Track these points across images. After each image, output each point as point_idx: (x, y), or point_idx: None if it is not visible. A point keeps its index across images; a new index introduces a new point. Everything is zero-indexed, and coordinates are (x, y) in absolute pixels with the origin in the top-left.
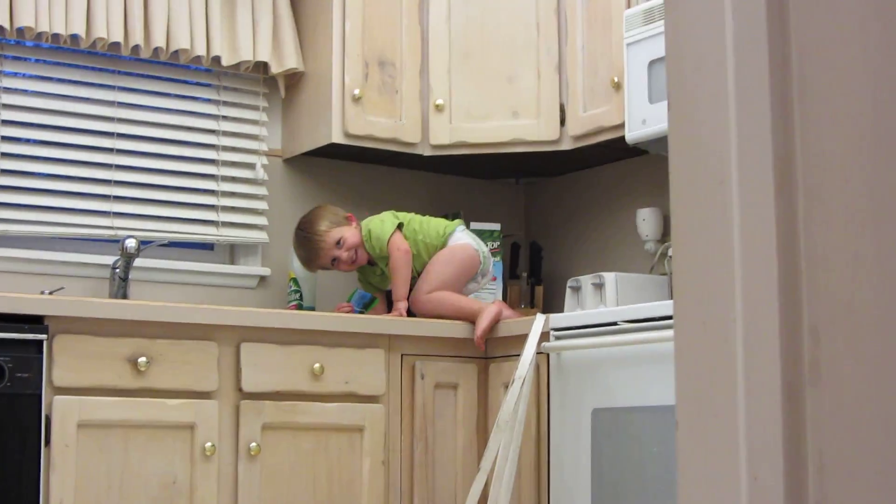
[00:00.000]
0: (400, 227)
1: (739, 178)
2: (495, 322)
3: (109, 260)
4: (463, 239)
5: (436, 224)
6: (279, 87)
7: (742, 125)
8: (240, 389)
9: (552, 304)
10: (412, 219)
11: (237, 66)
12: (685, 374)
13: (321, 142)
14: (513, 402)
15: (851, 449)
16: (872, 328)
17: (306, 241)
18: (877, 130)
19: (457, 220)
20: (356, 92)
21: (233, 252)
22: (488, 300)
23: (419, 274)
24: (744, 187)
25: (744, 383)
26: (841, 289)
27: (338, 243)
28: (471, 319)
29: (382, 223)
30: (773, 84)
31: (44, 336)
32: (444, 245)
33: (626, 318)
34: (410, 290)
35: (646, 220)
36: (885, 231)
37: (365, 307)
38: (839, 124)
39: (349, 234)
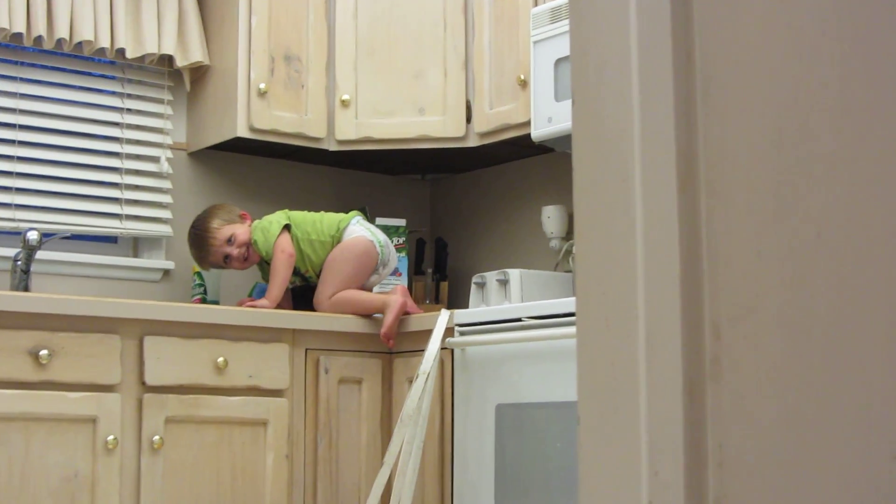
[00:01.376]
0: (288, 228)
1: (642, 175)
2: (401, 315)
3: (11, 252)
4: (357, 232)
5: (329, 221)
6: (184, 81)
7: (645, 123)
8: (143, 383)
9: (457, 300)
10: (304, 218)
11: (142, 58)
12: (587, 370)
13: (226, 136)
14: (417, 397)
15: (751, 444)
16: (773, 326)
17: (198, 238)
18: (780, 129)
19: (351, 213)
20: (262, 86)
21: (136, 245)
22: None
23: (318, 275)
24: (646, 185)
25: (645, 379)
26: (743, 287)
27: (229, 240)
28: (377, 312)
29: (269, 225)
30: (676, 82)
31: None
32: (339, 241)
33: (530, 315)
34: (312, 293)
35: (550, 218)
36: (787, 230)
37: None
38: (742, 123)
39: (241, 231)
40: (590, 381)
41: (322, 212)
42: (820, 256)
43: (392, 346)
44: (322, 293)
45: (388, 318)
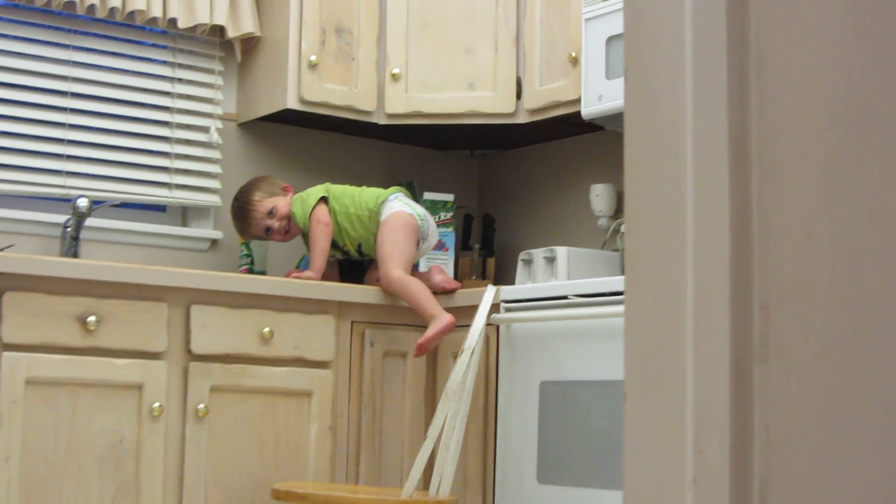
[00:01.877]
0: (325, 200)
1: (694, 154)
2: (444, 334)
3: (61, 219)
4: (395, 207)
5: (368, 196)
6: (235, 52)
7: (698, 102)
8: (189, 351)
9: (503, 277)
10: (343, 192)
11: (193, 28)
12: (635, 347)
13: (276, 107)
14: (461, 372)
15: (799, 426)
16: (823, 307)
17: (240, 210)
18: (833, 109)
19: (391, 189)
20: (312, 58)
21: (185, 214)
22: (441, 267)
23: (359, 251)
24: (698, 164)
25: (693, 358)
26: (793, 267)
27: (270, 213)
28: (425, 321)
29: (307, 197)
30: (730, 61)
31: None
32: (376, 215)
33: (577, 293)
34: (360, 266)
35: (599, 196)
36: (839, 210)
37: None
38: (796, 102)
39: (282, 204)
40: (637, 358)
41: (363, 186)
42: (871, 238)
43: (417, 356)
44: (388, 272)
45: (431, 332)
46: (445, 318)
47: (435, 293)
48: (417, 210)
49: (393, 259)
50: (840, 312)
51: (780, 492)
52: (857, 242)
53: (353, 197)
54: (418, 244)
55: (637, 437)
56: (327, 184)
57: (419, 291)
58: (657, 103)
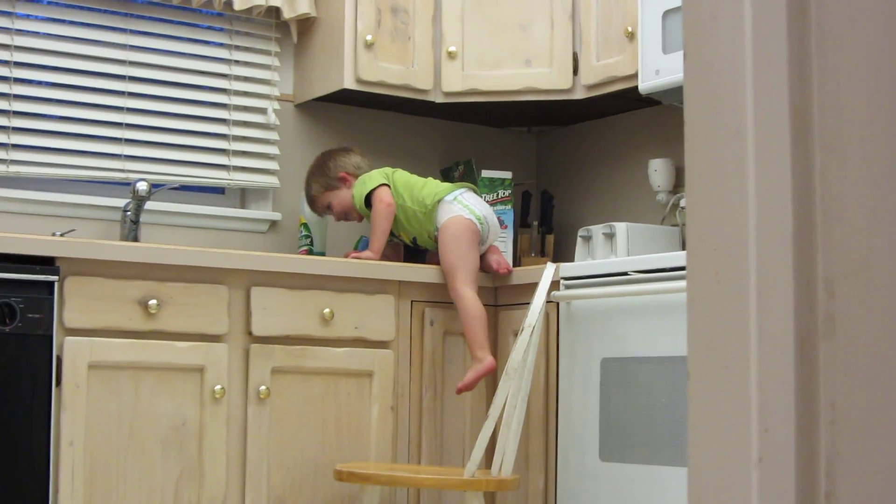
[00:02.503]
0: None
1: (755, 129)
2: (485, 376)
3: (121, 203)
4: (453, 211)
5: (427, 192)
6: (291, 33)
7: (758, 76)
8: (250, 333)
9: (563, 254)
10: (405, 185)
11: (249, 10)
12: (697, 324)
13: (333, 87)
14: (522, 351)
15: (865, 403)
16: (889, 282)
17: (306, 198)
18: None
19: (450, 186)
20: (368, 38)
21: (244, 196)
22: (500, 248)
23: (414, 243)
24: (759, 139)
25: (756, 335)
26: (857, 242)
27: (328, 207)
28: (470, 351)
29: (368, 180)
30: (790, 34)
31: (55, 277)
32: (431, 213)
33: (637, 269)
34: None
35: (657, 171)
36: None
37: None
38: (857, 76)
39: (336, 201)
40: (700, 336)
41: (427, 178)
42: None
43: (459, 394)
44: (454, 287)
45: (470, 375)
46: (486, 364)
47: (486, 272)
48: (476, 213)
49: (458, 273)
50: None
51: (846, 470)
52: None
53: (412, 190)
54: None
55: (701, 416)
56: (388, 169)
57: (475, 323)
58: (717, 78)
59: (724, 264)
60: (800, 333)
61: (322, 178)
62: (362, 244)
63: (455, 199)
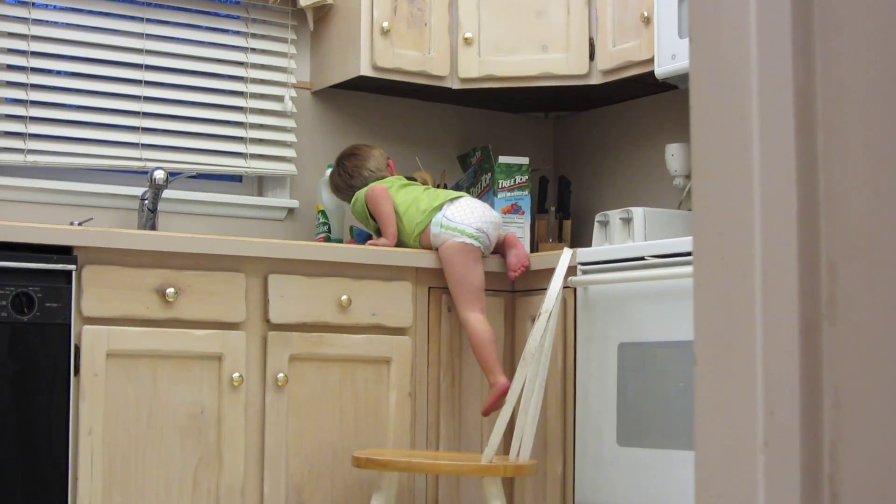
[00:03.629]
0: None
1: (760, 113)
2: (500, 396)
3: (138, 191)
4: (442, 239)
5: (422, 207)
6: (308, 20)
7: (763, 59)
8: (267, 320)
9: (580, 239)
10: (405, 194)
11: None
12: (703, 308)
13: (350, 74)
14: (539, 336)
15: (867, 385)
16: (890, 265)
17: (329, 181)
18: None
19: (426, 214)
20: (385, 24)
21: (261, 184)
22: (517, 233)
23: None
24: (764, 123)
25: (762, 319)
26: (860, 224)
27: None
28: (483, 371)
29: (360, 195)
30: (794, 18)
31: (73, 266)
32: (417, 243)
33: (654, 253)
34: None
35: (674, 156)
36: None
37: (364, 241)
38: (860, 60)
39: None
40: (706, 320)
41: (427, 188)
42: None
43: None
44: (460, 315)
45: (488, 400)
46: (499, 387)
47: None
48: (468, 231)
49: (459, 300)
50: None
51: (850, 453)
52: None
53: (409, 206)
54: (483, 256)
55: (708, 400)
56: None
57: (481, 348)
58: (722, 62)
59: (729, 248)
60: (804, 317)
61: (337, 191)
62: (356, 233)
63: (441, 225)
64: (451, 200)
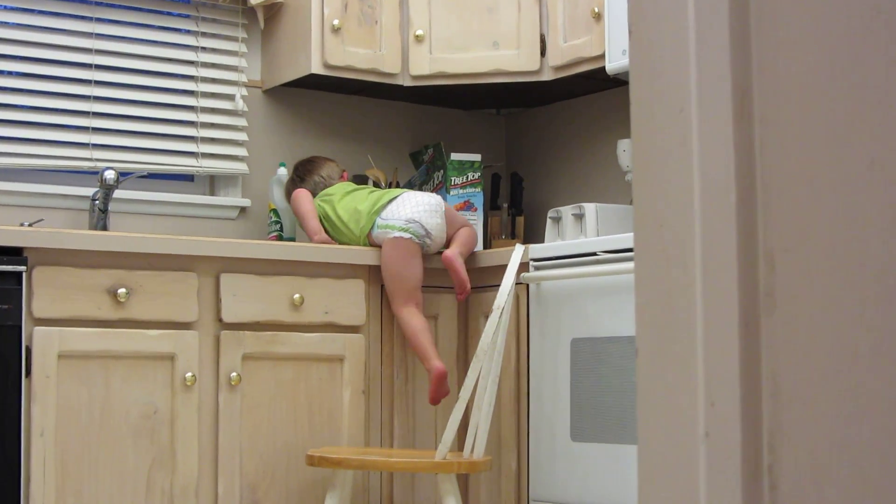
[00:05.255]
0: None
1: (699, 105)
2: (442, 382)
3: (89, 191)
4: (380, 238)
5: (364, 210)
6: (258, 18)
7: (701, 53)
8: (220, 320)
9: (533, 235)
10: (348, 201)
11: None
12: (645, 301)
13: (301, 72)
14: (491, 332)
15: (805, 376)
16: (826, 256)
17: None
18: (832, 58)
19: (378, 207)
20: (335, 22)
21: (213, 183)
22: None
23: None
24: (703, 115)
25: (702, 311)
26: (796, 217)
27: None
28: (420, 358)
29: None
30: (731, 13)
31: (23, 268)
32: (370, 232)
33: (606, 249)
34: None
35: (626, 151)
36: (840, 159)
37: None
38: (795, 53)
39: None
40: (648, 312)
41: (372, 191)
42: (873, 185)
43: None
44: (393, 310)
45: (431, 388)
46: (435, 371)
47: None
48: (398, 225)
49: (393, 297)
50: (843, 261)
51: (787, 443)
52: (859, 190)
53: (352, 213)
54: (423, 247)
55: (650, 392)
56: (334, 193)
57: (414, 338)
58: (661, 55)
59: (670, 241)
60: (743, 308)
61: (294, 181)
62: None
63: (377, 227)
64: (392, 199)
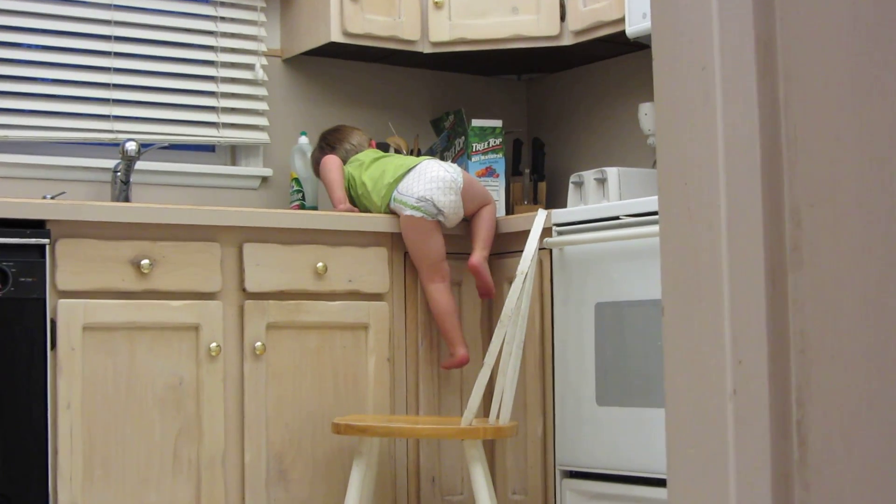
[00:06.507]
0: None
1: (722, 62)
2: (459, 366)
3: (111, 163)
4: (399, 211)
5: (386, 179)
6: None
7: (723, 9)
8: (244, 290)
9: (555, 200)
10: (374, 169)
11: None
12: (671, 261)
13: (320, 41)
14: (515, 298)
15: (832, 331)
16: (852, 210)
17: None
18: (855, 11)
19: (398, 177)
20: None
21: (234, 153)
22: (493, 196)
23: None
24: (726, 72)
25: (728, 268)
26: (822, 171)
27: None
28: (447, 340)
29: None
30: None
31: (46, 240)
32: (387, 203)
33: (628, 213)
34: None
35: (648, 115)
36: (865, 113)
37: None
38: (818, 6)
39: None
40: (674, 272)
41: (397, 158)
42: None
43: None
44: (422, 285)
45: (448, 363)
46: (459, 357)
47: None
48: (411, 202)
49: (421, 273)
50: (869, 215)
51: (816, 398)
52: (884, 143)
53: (375, 182)
54: (438, 225)
55: (677, 351)
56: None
57: (442, 320)
58: (683, 14)
59: (695, 199)
60: (770, 264)
61: (325, 150)
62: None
63: (394, 199)
64: (411, 169)
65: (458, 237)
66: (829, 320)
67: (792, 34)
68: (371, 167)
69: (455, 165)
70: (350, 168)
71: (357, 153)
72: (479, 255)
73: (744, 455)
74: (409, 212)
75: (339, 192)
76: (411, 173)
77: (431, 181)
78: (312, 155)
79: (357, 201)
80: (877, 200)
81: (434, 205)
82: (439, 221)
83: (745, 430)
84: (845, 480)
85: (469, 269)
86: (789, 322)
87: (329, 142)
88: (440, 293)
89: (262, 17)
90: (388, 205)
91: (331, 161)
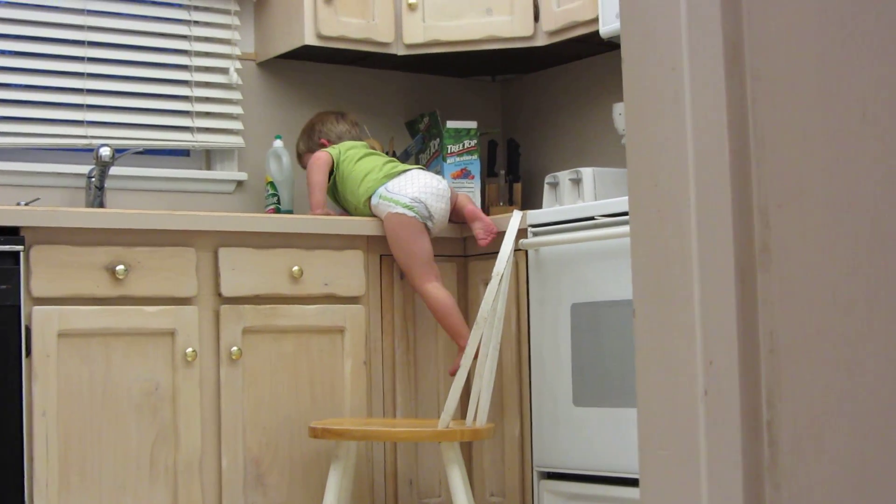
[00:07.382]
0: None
1: (690, 63)
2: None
3: (85, 169)
4: (382, 211)
5: (375, 175)
6: None
7: (692, 10)
8: (219, 294)
9: (531, 201)
10: (368, 162)
11: None
12: (642, 262)
13: (294, 44)
14: (491, 299)
15: (802, 331)
16: (820, 209)
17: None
18: (822, 9)
19: (375, 182)
20: None
21: (209, 157)
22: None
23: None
24: (695, 72)
25: (698, 269)
26: (789, 171)
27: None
28: (454, 341)
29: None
30: None
31: (20, 247)
32: (366, 212)
33: (604, 213)
34: None
35: (622, 115)
36: (832, 111)
37: None
38: (785, 6)
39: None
40: (645, 273)
41: (373, 165)
42: (865, 136)
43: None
44: (416, 287)
45: (457, 362)
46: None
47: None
48: (403, 202)
49: (412, 272)
50: (837, 214)
51: (786, 398)
52: (852, 142)
53: (356, 181)
54: (427, 227)
55: (648, 352)
56: (351, 147)
57: (446, 317)
58: (652, 14)
59: (664, 199)
60: (739, 265)
61: (307, 140)
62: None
63: (380, 196)
64: (401, 173)
65: (435, 240)
66: (798, 320)
67: (759, 34)
68: (363, 160)
69: (441, 177)
70: (343, 147)
71: (353, 139)
72: (469, 205)
73: (715, 455)
74: (400, 210)
75: (319, 196)
76: (402, 176)
77: (425, 186)
78: (302, 142)
79: (338, 182)
80: (844, 200)
81: (427, 208)
82: (426, 225)
83: (716, 431)
84: (815, 480)
85: (467, 217)
86: (759, 322)
87: (328, 125)
88: (438, 290)
89: (235, 21)
90: (369, 201)
91: (320, 160)
